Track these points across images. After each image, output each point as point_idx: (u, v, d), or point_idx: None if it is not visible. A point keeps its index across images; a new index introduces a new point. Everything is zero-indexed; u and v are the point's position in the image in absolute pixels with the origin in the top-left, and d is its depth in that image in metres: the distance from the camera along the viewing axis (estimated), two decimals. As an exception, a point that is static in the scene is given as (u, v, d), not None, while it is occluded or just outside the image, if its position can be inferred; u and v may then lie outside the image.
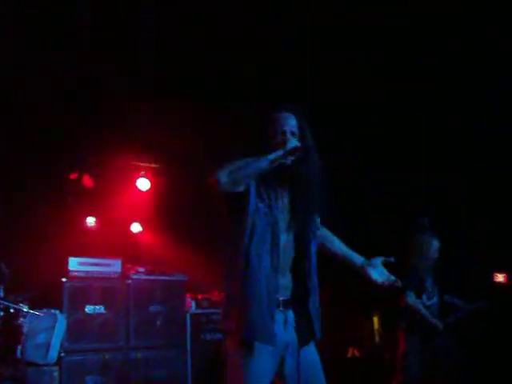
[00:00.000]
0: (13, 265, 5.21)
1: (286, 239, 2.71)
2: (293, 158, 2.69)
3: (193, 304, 6.37)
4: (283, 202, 2.77)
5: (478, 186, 6.21)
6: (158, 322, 6.07)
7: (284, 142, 2.69)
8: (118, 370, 5.70)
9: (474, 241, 6.24)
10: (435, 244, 5.17)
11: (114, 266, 6.04)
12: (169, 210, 7.29)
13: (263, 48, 5.11)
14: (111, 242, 6.78)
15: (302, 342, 2.69)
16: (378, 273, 2.85)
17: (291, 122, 2.80)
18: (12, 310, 4.85)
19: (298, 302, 2.72)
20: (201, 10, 4.71)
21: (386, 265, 2.87)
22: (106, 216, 6.93)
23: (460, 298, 5.29)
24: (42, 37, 4.96)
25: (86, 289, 5.79)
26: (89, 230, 6.92)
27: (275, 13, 4.74)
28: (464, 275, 5.94)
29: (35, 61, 5.18)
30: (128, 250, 6.81)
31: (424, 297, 5.05)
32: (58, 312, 5.48)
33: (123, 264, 6.12)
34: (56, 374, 5.34)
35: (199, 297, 6.45)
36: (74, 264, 5.85)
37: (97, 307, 5.78)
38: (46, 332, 5.33)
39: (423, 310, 4.96)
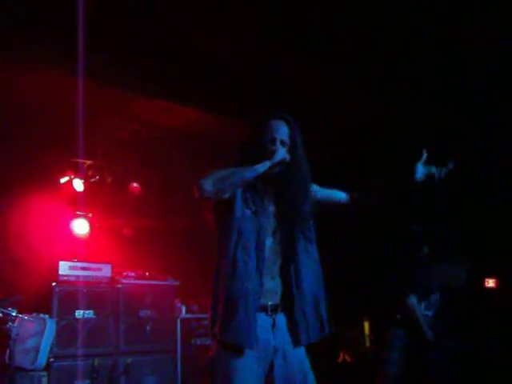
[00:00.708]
0: (1, 269, 5.17)
1: (271, 244, 2.72)
2: (280, 168, 2.71)
3: (183, 309, 6.35)
4: (269, 208, 2.78)
5: (467, 191, 6.22)
6: (148, 327, 6.03)
7: (272, 152, 2.70)
8: (107, 376, 5.65)
9: (464, 246, 6.25)
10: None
11: (104, 270, 6.01)
12: (160, 214, 7.26)
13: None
14: (102, 247, 6.75)
15: (294, 343, 2.70)
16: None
17: (283, 131, 2.80)
18: (0, 315, 4.80)
19: (287, 306, 2.72)
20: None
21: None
22: (96, 220, 6.87)
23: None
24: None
25: (76, 293, 5.74)
26: (79, 234, 6.85)
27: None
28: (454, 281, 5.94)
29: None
30: (119, 254, 6.76)
31: (423, 305, 5.01)
32: (47, 317, 5.44)
33: (113, 268, 6.09)
34: (45, 379, 5.29)
35: (190, 302, 6.42)
36: (65, 268, 5.81)
37: (86, 312, 5.73)
38: (35, 337, 5.29)
39: (420, 316, 4.92)
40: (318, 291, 2.79)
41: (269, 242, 2.71)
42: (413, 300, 4.95)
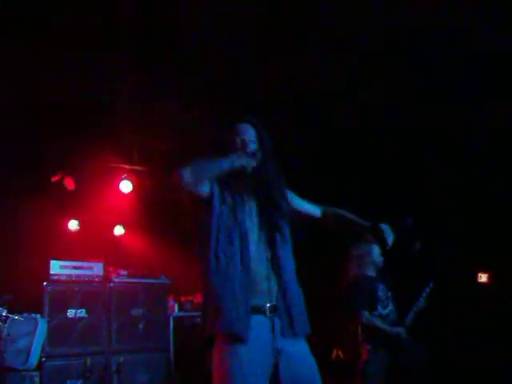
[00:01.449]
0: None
1: (258, 241, 2.72)
2: (253, 165, 2.79)
3: (176, 307, 6.33)
4: (250, 205, 2.82)
5: (460, 187, 6.23)
6: (141, 326, 6.01)
7: (244, 147, 2.83)
8: (100, 375, 5.63)
9: (457, 240, 6.26)
10: (375, 249, 5.09)
11: (95, 268, 5.98)
12: (152, 212, 7.24)
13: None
14: (94, 245, 6.72)
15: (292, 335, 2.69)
16: (387, 233, 2.88)
17: (250, 132, 2.91)
18: (-9, 315, 4.78)
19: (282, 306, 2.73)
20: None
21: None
22: (88, 218, 6.86)
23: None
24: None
25: (68, 292, 5.73)
26: (71, 233, 6.84)
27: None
28: (447, 275, 5.95)
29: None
30: (111, 252, 6.74)
31: (379, 307, 4.94)
32: (38, 316, 5.42)
33: (105, 267, 6.06)
34: (37, 379, 5.29)
35: (182, 299, 6.41)
36: (56, 267, 5.78)
37: (78, 311, 5.71)
38: (27, 337, 5.27)
39: (381, 325, 4.85)
40: (298, 287, 2.84)
41: (253, 238, 2.73)
42: (365, 315, 4.87)
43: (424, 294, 5.08)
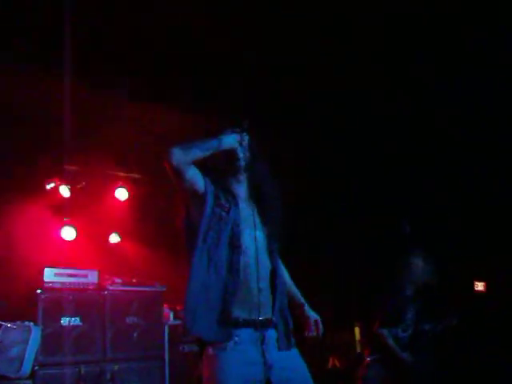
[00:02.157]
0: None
1: (255, 250, 2.69)
2: (245, 156, 2.82)
3: (171, 315, 6.28)
4: (247, 207, 2.82)
5: (457, 195, 6.22)
6: (136, 334, 5.96)
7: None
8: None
9: (453, 249, 6.24)
10: (418, 267, 5.04)
11: (90, 276, 5.93)
12: (147, 220, 7.20)
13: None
14: (89, 253, 6.67)
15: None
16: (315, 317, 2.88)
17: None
18: (-17, 323, 4.72)
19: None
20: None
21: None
22: (83, 226, 6.81)
23: (429, 322, 5.12)
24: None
25: (62, 300, 5.66)
26: (66, 241, 6.78)
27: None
28: (444, 284, 5.92)
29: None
30: (106, 260, 6.69)
31: (399, 329, 4.91)
32: (32, 324, 5.36)
33: (100, 275, 6.01)
34: (30, 387, 5.23)
35: (177, 307, 6.35)
36: (50, 275, 5.73)
37: (72, 319, 5.65)
38: (20, 345, 5.20)
39: (392, 345, 4.82)
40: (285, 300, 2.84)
41: (247, 241, 2.71)
42: (382, 331, 4.85)
43: (441, 327, 5.06)
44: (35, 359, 5.29)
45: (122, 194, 7.16)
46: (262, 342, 2.62)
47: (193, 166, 2.66)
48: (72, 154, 6.57)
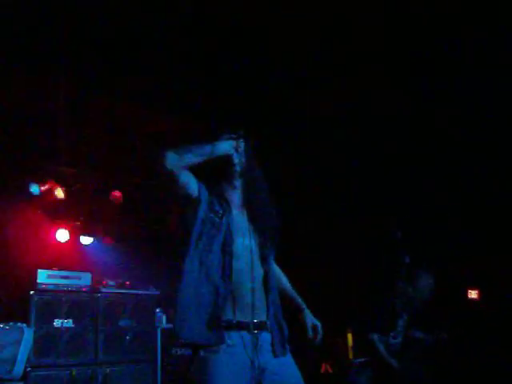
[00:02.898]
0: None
1: (248, 255, 2.69)
2: (240, 162, 2.81)
3: (164, 318, 6.26)
4: (240, 214, 2.81)
5: (450, 201, 6.23)
6: (128, 337, 5.95)
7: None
8: (86, 386, 5.57)
9: (446, 257, 6.25)
10: (426, 281, 5.05)
11: (83, 278, 5.93)
12: (141, 223, 7.20)
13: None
14: (82, 255, 6.67)
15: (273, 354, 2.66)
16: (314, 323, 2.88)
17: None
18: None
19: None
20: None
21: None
22: (76, 228, 6.80)
23: (421, 330, 5.14)
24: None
25: (55, 302, 5.66)
26: (59, 243, 6.77)
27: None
28: (437, 292, 5.93)
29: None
30: (99, 262, 6.68)
31: (390, 335, 4.92)
32: (25, 326, 5.35)
33: (93, 277, 6.01)
34: (21, 389, 5.21)
35: (171, 311, 6.34)
36: (43, 277, 5.72)
37: (65, 321, 5.65)
38: (12, 346, 5.19)
39: (382, 351, 4.83)
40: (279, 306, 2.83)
41: (242, 250, 2.71)
42: (373, 336, 4.86)
43: (433, 340, 5.08)
44: (27, 361, 5.28)
45: (116, 195, 7.12)
46: (256, 345, 2.62)
47: (186, 170, 2.66)
48: (67, 155, 6.58)
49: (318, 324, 2.88)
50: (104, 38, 5.02)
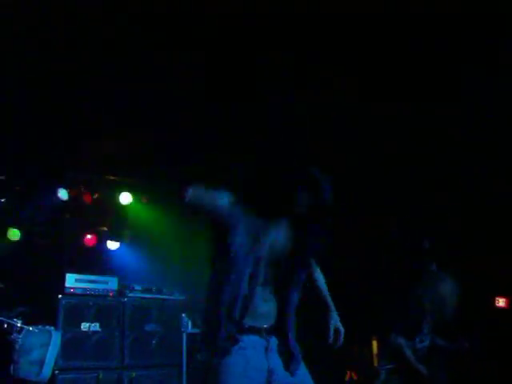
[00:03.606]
0: (8, 280, 5.19)
1: (264, 270, 2.73)
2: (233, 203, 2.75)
3: (189, 323, 6.30)
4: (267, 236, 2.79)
5: (476, 209, 6.16)
6: (154, 341, 6.00)
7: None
8: (112, 389, 5.64)
9: (474, 265, 6.18)
10: (450, 285, 5.00)
11: (110, 283, 6.01)
12: (169, 229, 7.24)
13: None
14: (109, 260, 6.75)
15: (287, 367, 2.71)
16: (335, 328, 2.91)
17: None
18: (5, 326, 4.80)
19: (281, 330, 2.77)
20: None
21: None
22: (104, 233, 6.88)
23: (445, 337, 5.07)
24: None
25: (82, 306, 5.76)
26: (87, 247, 6.87)
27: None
28: (464, 300, 5.87)
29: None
30: (125, 267, 6.75)
31: (417, 339, 4.87)
32: (52, 329, 5.43)
33: (120, 281, 6.08)
34: (49, 391, 5.29)
35: (196, 316, 6.38)
36: (71, 281, 5.83)
37: (92, 325, 5.73)
38: (41, 349, 5.27)
39: (409, 355, 4.79)
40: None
41: (262, 268, 2.73)
42: (400, 340, 4.81)
43: (454, 348, 5.03)
44: (55, 363, 5.36)
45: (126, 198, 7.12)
46: (266, 348, 2.68)
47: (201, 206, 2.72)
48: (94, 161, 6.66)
49: (342, 330, 2.90)
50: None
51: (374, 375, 5.46)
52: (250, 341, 2.64)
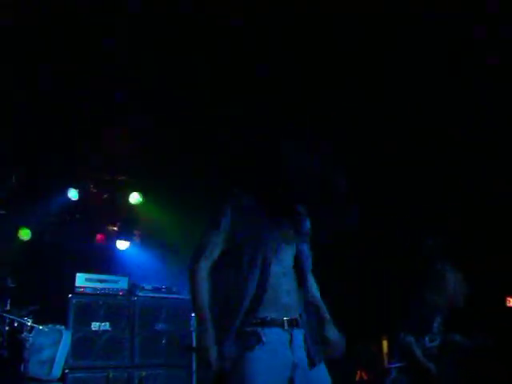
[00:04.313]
0: (19, 279, 5.22)
1: (283, 260, 2.72)
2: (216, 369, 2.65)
3: (199, 323, 6.29)
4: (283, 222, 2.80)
5: (486, 209, 6.13)
6: (164, 341, 6.00)
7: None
8: (122, 388, 5.65)
9: (485, 264, 6.14)
10: (458, 279, 4.96)
11: (120, 282, 6.03)
12: (179, 228, 7.26)
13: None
14: (119, 259, 6.77)
15: (310, 362, 2.65)
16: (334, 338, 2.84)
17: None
18: (16, 324, 4.83)
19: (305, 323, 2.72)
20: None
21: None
22: (114, 233, 6.91)
23: (461, 334, 5.04)
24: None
25: (92, 305, 5.78)
26: (97, 246, 6.90)
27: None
28: (475, 300, 5.84)
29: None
30: (135, 267, 6.77)
31: (426, 338, 4.84)
32: (63, 328, 5.46)
33: (130, 281, 6.10)
34: (59, 390, 5.31)
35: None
36: (82, 280, 5.84)
37: (102, 324, 5.74)
38: (51, 348, 5.30)
39: (419, 354, 4.75)
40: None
41: (280, 259, 2.72)
42: (409, 339, 4.77)
43: (472, 345, 4.98)
44: (65, 362, 5.38)
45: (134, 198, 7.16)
46: (290, 341, 2.63)
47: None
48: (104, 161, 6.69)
49: (339, 341, 2.86)
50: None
51: (384, 374, 5.43)
52: (273, 334, 2.60)
